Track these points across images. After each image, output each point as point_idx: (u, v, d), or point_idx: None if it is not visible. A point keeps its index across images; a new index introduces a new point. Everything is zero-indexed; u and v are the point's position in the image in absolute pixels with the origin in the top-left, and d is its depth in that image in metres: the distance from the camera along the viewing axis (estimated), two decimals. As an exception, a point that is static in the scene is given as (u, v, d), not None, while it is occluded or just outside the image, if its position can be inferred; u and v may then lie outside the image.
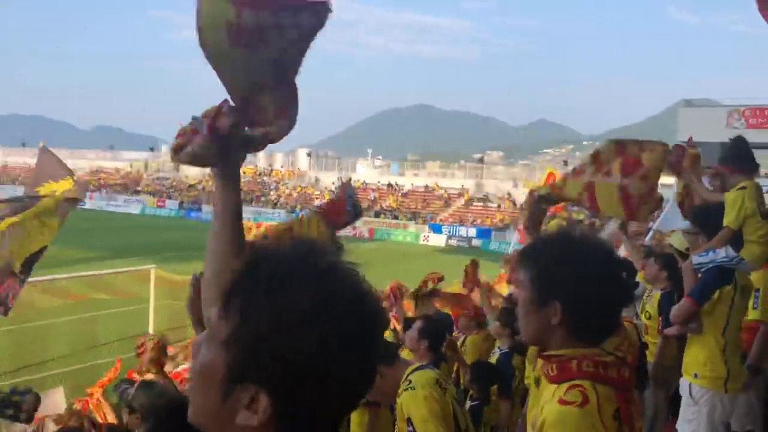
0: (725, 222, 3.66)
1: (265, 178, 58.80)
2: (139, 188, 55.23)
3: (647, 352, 4.95)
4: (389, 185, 52.85)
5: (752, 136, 4.06)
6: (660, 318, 4.90)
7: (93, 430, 3.72)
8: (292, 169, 61.32)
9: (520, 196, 39.18)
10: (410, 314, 6.55)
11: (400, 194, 50.80)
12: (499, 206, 45.65)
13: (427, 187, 51.83)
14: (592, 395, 1.50)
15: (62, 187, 3.84)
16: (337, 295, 0.83)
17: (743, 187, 3.71)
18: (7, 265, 3.55)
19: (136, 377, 4.53)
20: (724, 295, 3.56)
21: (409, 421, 2.52)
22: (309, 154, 63.79)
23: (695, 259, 3.68)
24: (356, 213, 3.48)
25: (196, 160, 1.41)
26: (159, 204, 51.83)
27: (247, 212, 49.67)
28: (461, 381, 5.17)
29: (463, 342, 5.98)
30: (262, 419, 0.80)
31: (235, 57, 1.33)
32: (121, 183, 56.83)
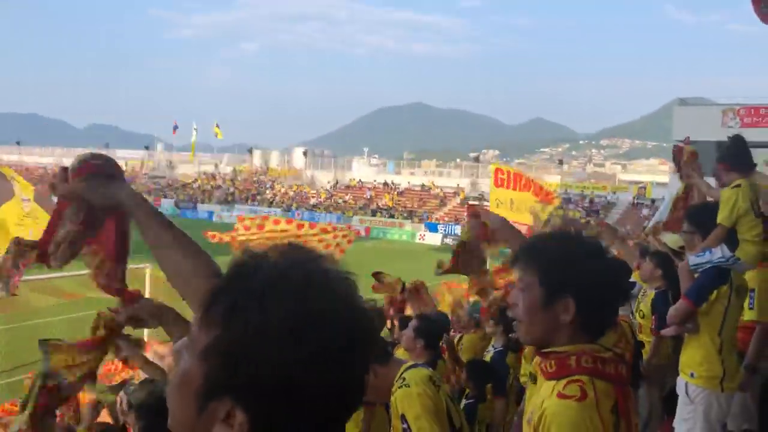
0: (718, 219, 3.67)
1: (260, 176, 58.73)
2: (134, 187, 55.14)
3: (642, 351, 4.97)
4: (385, 184, 52.86)
5: (747, 135, 4.06)
6: (653, 317, 4.92)
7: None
8: (287, 168, 61.27)
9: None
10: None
11: (396, 193, 50.82)
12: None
13: (423, 185, 51.85)
14: (591, 390, 1.52)
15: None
16: (323, 308, 0.79)
17: (738, 185, 3.71)
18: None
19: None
20: (721, 295, 3.57)
21: (403, 419, 2.52)
22: (305, 153, 63.72)
23: (692, 259, 3.69)
24: None
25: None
26: (154, 203, 51.74)
27: (243, 211, 49.66)
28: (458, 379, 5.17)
29: (460, 340, 5.99)
30: None
31: None
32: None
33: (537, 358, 1.71)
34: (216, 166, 62.27)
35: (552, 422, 1.51)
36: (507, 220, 2.80)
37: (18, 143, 71.85)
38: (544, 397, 1.59)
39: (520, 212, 9.22)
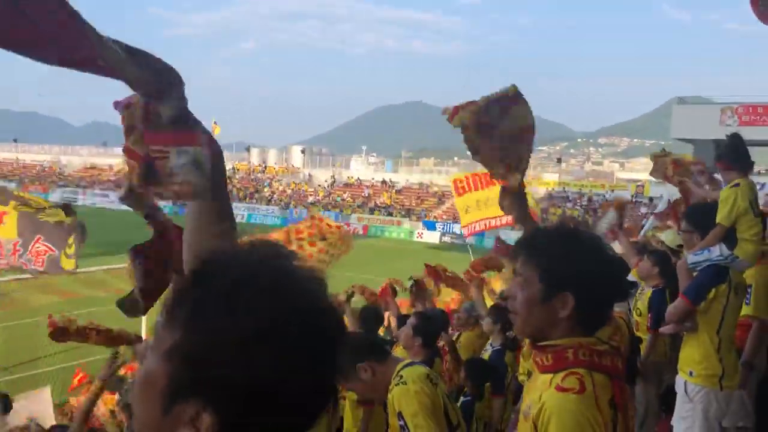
0: (717, 219, 3.67)
1: (258, 174, 58.68)
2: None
3: (640, 348, 4.98)
4: (383, 182, 52.84)
5: (745, 134, 4.06)
6: (650, 314, 4.93)
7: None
8: (285, 166, 61.23)
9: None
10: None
11: (394, 191, 50.80)
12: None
13: (421, 184, 51.83)
14: (589, 382, 1.53)
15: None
16: (291, 310, 0.77)
17: (737, 185, 3.71)
18: None
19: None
20: (719, 293, 3.57)
21: (400, 416, 2.53)
22: (303, 151, 63.67)
23: (690, 258, 3.70)
24: None
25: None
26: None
27: (240, 209, 49.60)
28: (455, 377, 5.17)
29: (457, 338, 6.00)
30: None
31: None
32: (114, 180, 56.58)
33: (532, 352, 1.72)
34: (214, 164, 62.07)
35: (552, 415, 1.51)
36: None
37: (15, 141, 71.66)
38: (542, 391, 1.59)
39: (488, 207, 9.28)
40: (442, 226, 42.58)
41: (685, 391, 3.67)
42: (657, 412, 5.08)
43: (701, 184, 5.19)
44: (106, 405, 5.78)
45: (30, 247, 4.55)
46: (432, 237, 41.39)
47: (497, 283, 8.63)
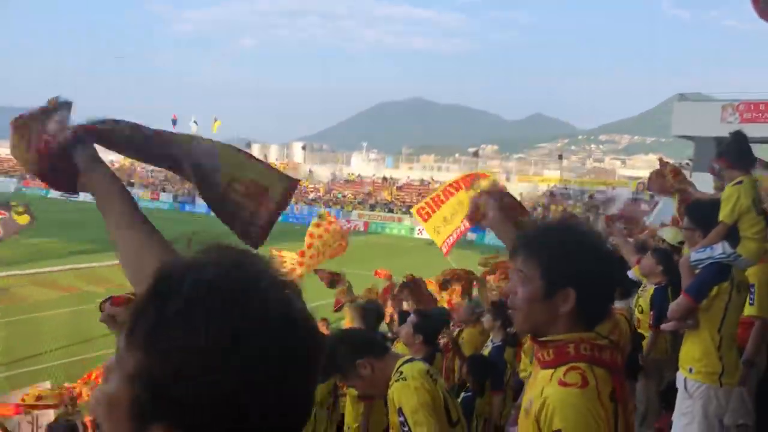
0: (720, 217, 3.66)
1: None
2: (132, 181, 55.00)
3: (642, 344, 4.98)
4: (384, 179, 52.84)
5: (747, 131, 4.03)
6: (651, 312, 4.92)
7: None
8: (286, 162, 61.21)
9: (515, 190, 39.21)
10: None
11: (394, 188, 50.80)
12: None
13: (422, 180, 51.82)
14: (591, 377, 1.54)
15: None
16: (255, 322, 0.73)
17: (739, 182, 3.69)
18: None
19: None
20: (722, 291, 3.56)
21: (400, 412, 2.53)
22: (304, 147, 63.66)
23: (693, 255, 3.69)
24: None
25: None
26: (153, 197, 51.69)
27: (242, 205, 49.54)
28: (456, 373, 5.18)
29: (459, 334, 6.01)
30: None
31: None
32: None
33: (534, 348, 1.72)
34: (214, 160, 62.11)
35: (555, 410, 1.52)
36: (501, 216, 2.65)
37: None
38: (543, 386, 1.59)
39: (455, 218, 9.61)
40: (442, 223, 42.56)
41: (685, 387, 3.67)
42: (657, 408, 5.08)
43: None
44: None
45: None
46: (433, 234, 41.34)
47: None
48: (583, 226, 1.82)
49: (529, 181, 47.90)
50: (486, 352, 5.26)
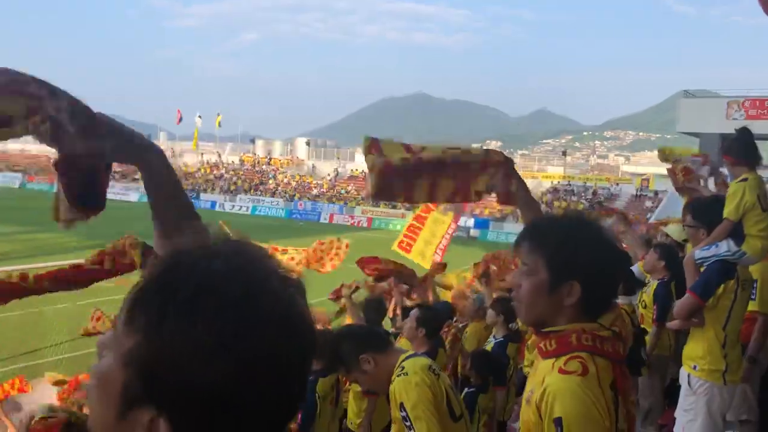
0: (725, 213, 3.63)
1: (263, 166, 58.72)
2: (137, 176, 55.11)
3: (645, 339, 4.98)
4: (388, 174, 52.75)
5: (752, 128, 4.00)
6: (655, 307, 4.92)
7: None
8: (290, 158, 61.25)
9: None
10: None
11: (398, 183, 50.73)
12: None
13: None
14: (592, 365, 1.54)
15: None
16: (257, 320, 0.73)
17: (744, 179, 3.66)
18: None
19: None
20: (728, 289, 3.54)
21: (401, 407, 2.54)
22: (308, 143, 63.68)
23: (697, 253, 3.66)
24: None
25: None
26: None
27: (245, 201, 49.65)
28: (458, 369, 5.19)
29: (463, 329, 6.01)
30: None
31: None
32: (119, 171, 56.71)
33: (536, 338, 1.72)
34: (219, 155, 62.29)
35: (556, 397, 1.52)
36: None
37: (21, 132, 71.82)
38: (544, 375, 1.60)
39: (435, 235, 9.95)
40: (446, 219, 42.52)
41: (689, 384, 3.66)
42: (661, 404, 5.08)
43: (704, 177, 5.16)
44: None
45: None
46: (436, 229, 41.32)
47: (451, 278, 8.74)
48: (588, 217, 1.80)
49: (533, 178, 47.83)
50: (489, 347, 5.26)
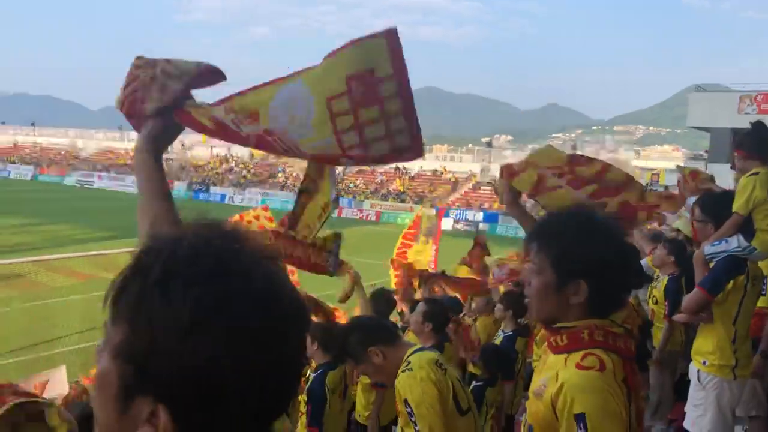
0: (734, 207, 3.59)
1: (272, 159, 58.79)
2: (147, 169, 55.38)
3: (652, 334, 4.97)
4: (396, 168, 52.72)
5: (765, 122, 3.96)
6: (666, 302, 4.90)
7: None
8: (300, 152, 61.16)
9: (528, 180, 38.91)
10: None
11: (407, 178, 50.72)
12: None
13: (434, 170, 51.70)
14: (608, 361, 1.56)
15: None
16: (235, 294, 0.72)
17: (755, 173, 3.62)
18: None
19: None
20: (737, 285, 3.52)
21: (406, 403, 2.55)
22: (317, 137, 63.46)
23: (707, 249, 3.63)
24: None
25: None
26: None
27: (254, 194, 49.71)
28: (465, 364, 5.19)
29: (473, 323, 6.01)
30: None
31: None
32: (130, 163, 56.95)
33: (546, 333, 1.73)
34: (228, 149, 62.39)
35: (576, 393, 1.53)
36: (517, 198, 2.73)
37: (33, 124, 72.33)
38: (557, 370, 1.61)
39: (419, 261, 10.12)
40: (455, 213, 42.47)
41: (699, 379, 3.65)
42: (671, 398, 5.07)
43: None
44: None
45: None
46: (445, 224, 41.26)
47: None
48: (596, 214, 1.80)
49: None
50: (497, 341, 5.27)
